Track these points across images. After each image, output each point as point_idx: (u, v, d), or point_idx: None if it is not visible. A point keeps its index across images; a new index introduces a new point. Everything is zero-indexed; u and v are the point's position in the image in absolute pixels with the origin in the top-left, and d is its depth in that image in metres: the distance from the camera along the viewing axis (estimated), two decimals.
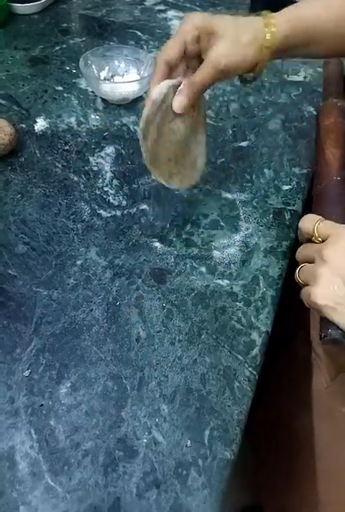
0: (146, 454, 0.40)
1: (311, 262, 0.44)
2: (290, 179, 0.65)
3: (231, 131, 0.73)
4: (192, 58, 0.52)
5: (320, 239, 0.44)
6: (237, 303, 0.51)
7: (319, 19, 0.52)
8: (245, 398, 0.44)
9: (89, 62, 0.75)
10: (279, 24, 0.51)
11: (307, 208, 0.64)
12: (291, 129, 0.74)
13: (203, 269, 0.54)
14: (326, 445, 0.59)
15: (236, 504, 1.08)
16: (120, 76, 0.78)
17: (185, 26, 0.51)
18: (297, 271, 0.45)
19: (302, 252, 0.46)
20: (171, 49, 0.51)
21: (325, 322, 0.41)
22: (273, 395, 0.76)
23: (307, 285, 0.43)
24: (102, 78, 0.77)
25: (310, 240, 0.46)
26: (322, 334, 0.41)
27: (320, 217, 0.45)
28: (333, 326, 0.41)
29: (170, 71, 0.52)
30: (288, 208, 0.61)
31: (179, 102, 0.52)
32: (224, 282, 0.53)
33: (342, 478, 0.56)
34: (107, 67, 0.78)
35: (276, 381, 0.80)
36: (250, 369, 0.46)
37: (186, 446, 0.41)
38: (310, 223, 0.45)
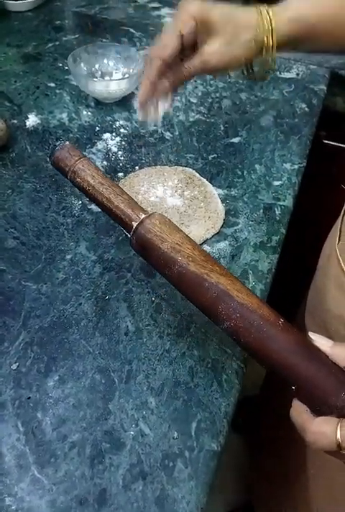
0: (133, 446, 0.40)
1: None
2: (281, 175, 0.65)
3: (222, 128, 0.73)
4: (186, 49, 0.49)
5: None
6: None
7: (320, 20, 0.49)
8: (232, 391, 0.44)
9: (78, 59, 0.75)
10: (280, 23, 0.48)
11: (298, 203, 0.64)
12: (283, 125, 0.74)
13: None
14: (316, 453, 0.59)
15: (230, 501, 1.09)
16: (109, 74, 0.78)
17: (181, 16, 0.47)
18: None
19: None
20: (169, 48, 0.48)
21: None
22: (277, 400, 0.76)
23: None
24: (91, 75, 0.77)
25: None
26: None
27: (340, 420, 0.32)
28: None
29: (166, 68, 0.49)
30: (279, 203, 0.61)
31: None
32: None
33: (329, 483, 0.56)
34: (97, 65, 0.78)
35: (277, 387, 0.79)
36: (238, 362, 0.46)
37: (173, 438, 0.41)
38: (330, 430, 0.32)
